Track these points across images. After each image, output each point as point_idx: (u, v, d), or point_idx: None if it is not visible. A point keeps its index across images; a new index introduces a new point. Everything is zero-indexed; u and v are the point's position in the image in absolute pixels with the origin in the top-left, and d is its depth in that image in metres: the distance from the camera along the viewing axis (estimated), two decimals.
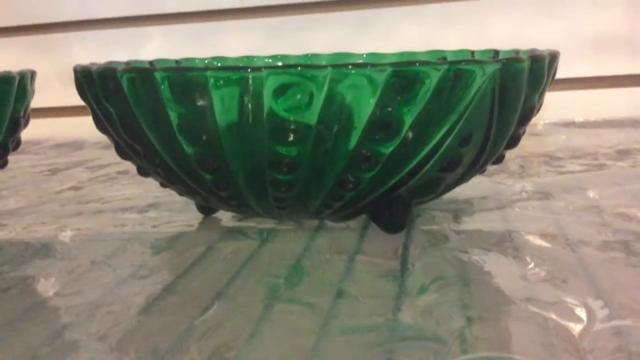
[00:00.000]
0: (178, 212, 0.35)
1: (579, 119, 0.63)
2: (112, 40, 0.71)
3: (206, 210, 0.34)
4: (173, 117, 0.25)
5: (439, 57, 0.37)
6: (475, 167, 0.28)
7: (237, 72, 0.24)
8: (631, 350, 0.18)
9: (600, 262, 0.25)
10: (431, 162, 0.26)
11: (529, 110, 0.28)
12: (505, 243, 0.28)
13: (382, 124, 0.24)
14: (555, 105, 0.54)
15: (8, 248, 0.31)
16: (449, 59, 0.37)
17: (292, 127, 0.24)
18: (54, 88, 0.68)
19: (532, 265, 0.25)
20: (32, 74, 0.35)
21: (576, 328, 0.20)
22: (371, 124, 0.24)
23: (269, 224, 0.32)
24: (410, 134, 0.25)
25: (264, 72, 0.23)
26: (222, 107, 0.24)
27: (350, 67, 0.24)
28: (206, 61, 0.39)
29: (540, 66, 0.27)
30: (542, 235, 0.29)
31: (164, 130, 0.26)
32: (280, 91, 0.23)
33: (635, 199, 0.34)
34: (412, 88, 0.24)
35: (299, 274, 0.25)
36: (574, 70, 0.63)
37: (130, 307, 0.23)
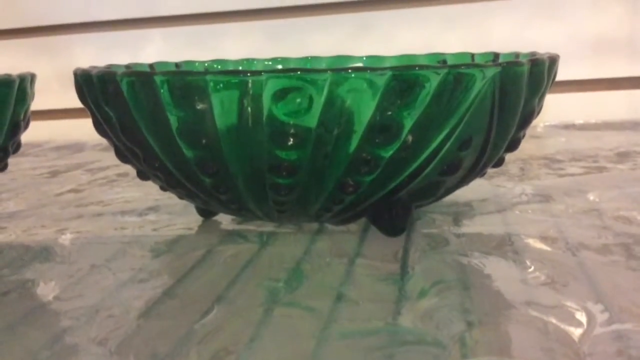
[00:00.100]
0: (178, 215, 0.35)
1: (579, 121, 0.63)
2: (112, 43, 0.71)
3: (206, 213, 0.34)
4: (173, 120, 0.25)
5: (439, 60, 0.37)
6: (475, 170, 0.28)
7: (236, 75, 0.24)
8: (631, 354, 0.18)
9: (601, 265, 0.25)
10: (431, 166, 0.26)
11: (529, 114, 0.28)
12: (505, 246, 0.28)
13: (382, 128, 0.24)
14: (555, 108, 0.54)
15: (8, 251, 0.31)
16: (449, 61, 0.37)
17: (292, 130, 0.24)
18: (54, 90, 0.68)
19: (532, 268, 0.25)
20: (32, 76, 0.35)
21: (576, 332, 0.20)
22: (371, 127, 0.24)
23: (268, 227, 0.32)
24: (410, 138, 0.25)
25: (264, 76, 0.23)
26: (221, 110, 0.24)
27: (350, 70, 0.23)
28: (206, 64, 0.39)
29: (540, 70, 0.27)
30: (542, 239, 0.29)
31: (164, 134, 0.26)
32: (280, 95, 0.23)
33: (636, 202, 0.34)
34: (412, 92, 0.24)
35: (299, 277, 0.25)
36: (574, 73, 0.63)
37: (130, 311, 0.23)
